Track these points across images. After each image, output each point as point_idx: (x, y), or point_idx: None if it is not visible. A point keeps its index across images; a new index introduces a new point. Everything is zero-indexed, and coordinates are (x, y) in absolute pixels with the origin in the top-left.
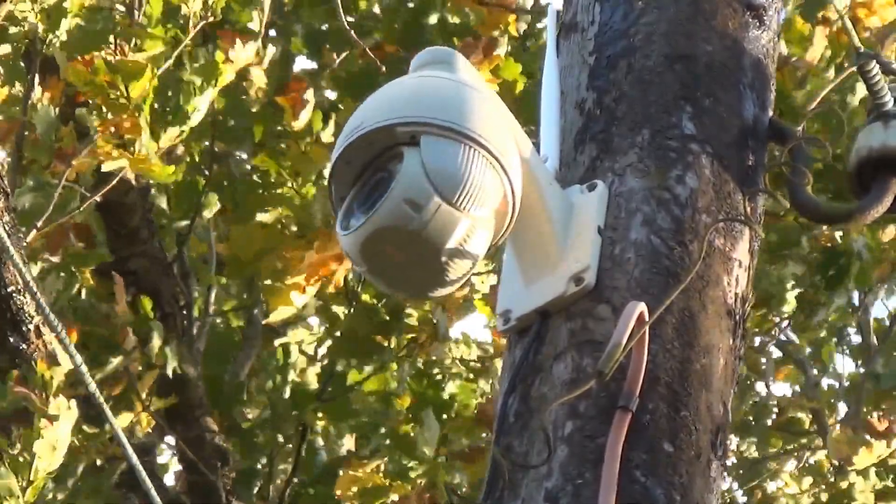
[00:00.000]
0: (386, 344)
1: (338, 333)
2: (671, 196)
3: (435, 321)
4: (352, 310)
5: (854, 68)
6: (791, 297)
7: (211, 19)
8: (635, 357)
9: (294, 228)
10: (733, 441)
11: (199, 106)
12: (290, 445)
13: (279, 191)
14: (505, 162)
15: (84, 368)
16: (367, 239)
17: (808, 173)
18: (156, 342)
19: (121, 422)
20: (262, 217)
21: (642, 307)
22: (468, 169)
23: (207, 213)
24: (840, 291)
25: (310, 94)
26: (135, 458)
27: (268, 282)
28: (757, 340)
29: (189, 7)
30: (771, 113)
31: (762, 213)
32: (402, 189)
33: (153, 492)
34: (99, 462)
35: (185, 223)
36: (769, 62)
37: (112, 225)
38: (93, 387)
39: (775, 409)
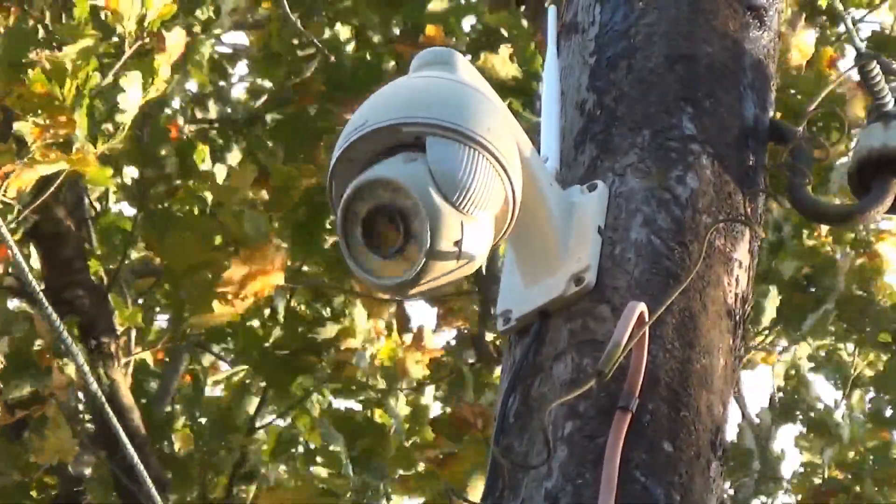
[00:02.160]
0: (314, 361)
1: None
2: (671, 196)
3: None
4: (277, 328)
5: (854, 68)
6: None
7: (147, 39)
8: (635, 357)
9: (227, 242)
10: None
11: (132, 99)
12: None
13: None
14: (506, 163)
15: (86, 368)
16: (418, 287)
17: (809, 173)
18: (73, 365)
19: (50, 448)
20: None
21: (642, 307)
22: (472, 171)
23: (136, 253)
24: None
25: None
26: (137, 459)
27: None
28: None
29: (124, 27)
30: (771, 113)
31: (762, 213)
32: (440, 238)
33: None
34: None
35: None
36: (770, 62)
37: (47, 254)
38: (94, 386)
39: None
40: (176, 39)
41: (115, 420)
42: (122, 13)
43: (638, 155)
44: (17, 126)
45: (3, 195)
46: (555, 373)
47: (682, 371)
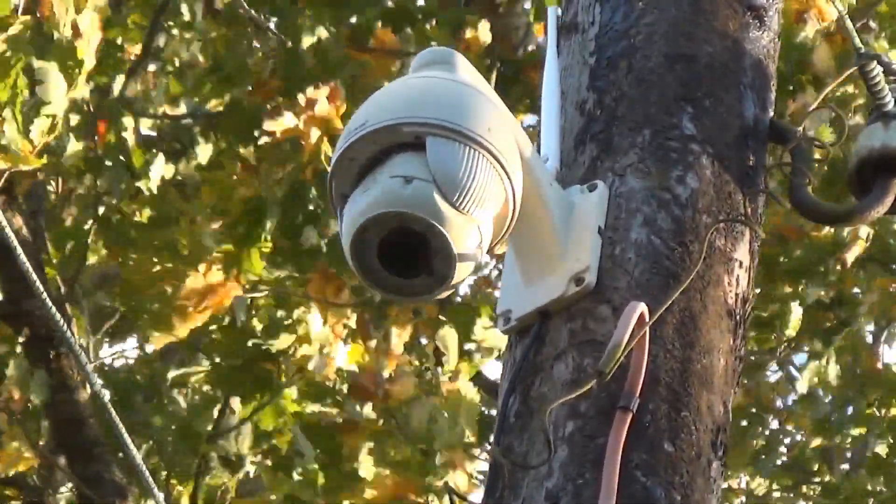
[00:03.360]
0: (272, 370)
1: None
2: (672, 196)
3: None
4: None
5: (855, 68)
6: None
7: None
8: (636, 357)
9: (185, 254)
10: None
11: (56, 90)
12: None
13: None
14: (507, 163)
15: (90, 368)
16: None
17: (809, 173)
18: (11, 370)
19: (6, 459)
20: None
21: (643, 307)
22: (472, 171)
23: (93, 258)
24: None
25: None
26: (139, 459)
27: (155, 306)
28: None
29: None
30: (771, 113)
31: (762, 213)
32: (462, 246)
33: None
34: None
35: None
36: (770, 62)
37: (3, 266)
38: (97, 386)
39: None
40: (89, 23)
41: (117, 419)
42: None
43: (638, 155)
44: None
45: None
46: (555, 373)
47: (683, 371)
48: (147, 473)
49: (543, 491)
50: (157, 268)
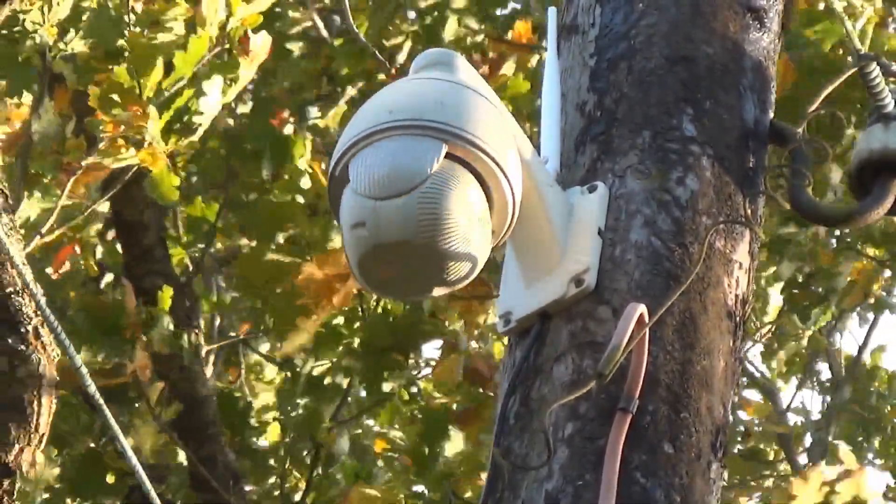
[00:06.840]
0: (402, 359)
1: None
2: (672, 198)
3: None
4: (366, 321)
5: (854, 69)
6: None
7: (227, 46)
8: (635, 359)
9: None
10: None
11: (211, 101)
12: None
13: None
14: (496, 155)
15: (84, 371)
16: (360, 268)
17: (809, 174)
18: (162, 328)
19: (133, 434)
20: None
21: (642, 309)
22: (384, 157)
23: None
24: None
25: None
26: (135, 459)
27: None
28: None
29: (207, 31)
30: (772, 114)
31: (762, 214)
32: (344, 219)
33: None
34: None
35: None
36: (770, 64)
37: (127, 243)
38: (93, 388)
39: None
40: (261, 43)
41: (113, 421)
42: (206, 18)
43: (638, 156)
44: (87, 121)
45: (70, 192)
46: (555, 374)
47: (683, 372)
48: (143, 474)
49: (543, 493)
50: (272, 257)
